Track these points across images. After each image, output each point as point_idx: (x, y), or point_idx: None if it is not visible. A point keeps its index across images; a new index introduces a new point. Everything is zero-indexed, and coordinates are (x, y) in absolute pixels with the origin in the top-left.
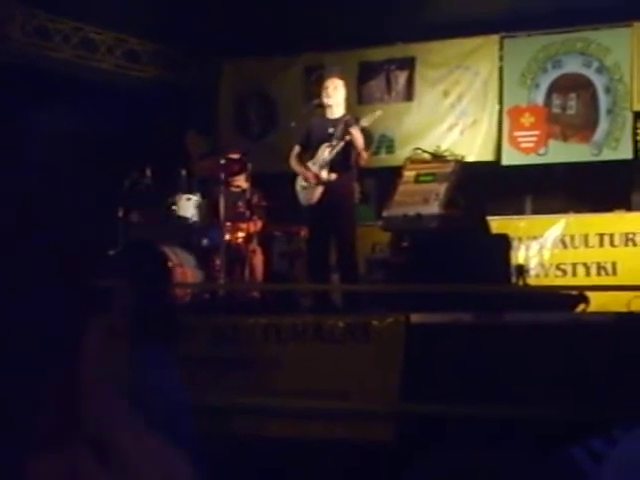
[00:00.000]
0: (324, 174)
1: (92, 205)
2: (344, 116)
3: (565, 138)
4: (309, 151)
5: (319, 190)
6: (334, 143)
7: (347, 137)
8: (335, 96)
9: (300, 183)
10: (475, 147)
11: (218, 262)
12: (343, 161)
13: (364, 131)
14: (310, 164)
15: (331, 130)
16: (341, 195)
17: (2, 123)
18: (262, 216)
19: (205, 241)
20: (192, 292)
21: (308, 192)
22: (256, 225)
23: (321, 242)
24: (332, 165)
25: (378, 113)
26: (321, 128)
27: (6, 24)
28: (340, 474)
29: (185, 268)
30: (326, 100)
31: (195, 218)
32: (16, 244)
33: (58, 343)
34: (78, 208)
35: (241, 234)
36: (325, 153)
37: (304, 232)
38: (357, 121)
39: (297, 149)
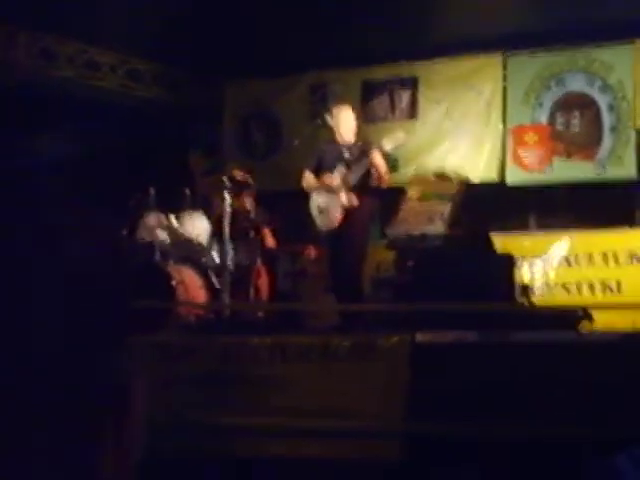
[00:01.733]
0: (344, 199)
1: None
2: (357, 141)
3: (569, 156)
4: (321, 176)
5: (338, 214)
6: (353, 168)
7: (367, 161)
8: (346, 122)
9: (317, 206)
10: (479, 166)
11: (223, 281)
12: (362, 185)
13: (385, 153)
14: (329, 179)
15: (347, 155)
16: (360, 218)
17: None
18: (266, 235)
19: (209, 260)
20: (197, 312)
21: (326, 217)
22: (261, 244)
23: (340, 263)
24: (352, 189)
25: (401, 137)
26: (334, 153)
27: (10, 47)
28: None
29: (188, 286)
30: (337, 127)
31: (200, 238)
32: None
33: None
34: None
35: (246, 253)
36: (342, 177)
37: (309, 251)
38: (375, 144)
39: (309, 174)
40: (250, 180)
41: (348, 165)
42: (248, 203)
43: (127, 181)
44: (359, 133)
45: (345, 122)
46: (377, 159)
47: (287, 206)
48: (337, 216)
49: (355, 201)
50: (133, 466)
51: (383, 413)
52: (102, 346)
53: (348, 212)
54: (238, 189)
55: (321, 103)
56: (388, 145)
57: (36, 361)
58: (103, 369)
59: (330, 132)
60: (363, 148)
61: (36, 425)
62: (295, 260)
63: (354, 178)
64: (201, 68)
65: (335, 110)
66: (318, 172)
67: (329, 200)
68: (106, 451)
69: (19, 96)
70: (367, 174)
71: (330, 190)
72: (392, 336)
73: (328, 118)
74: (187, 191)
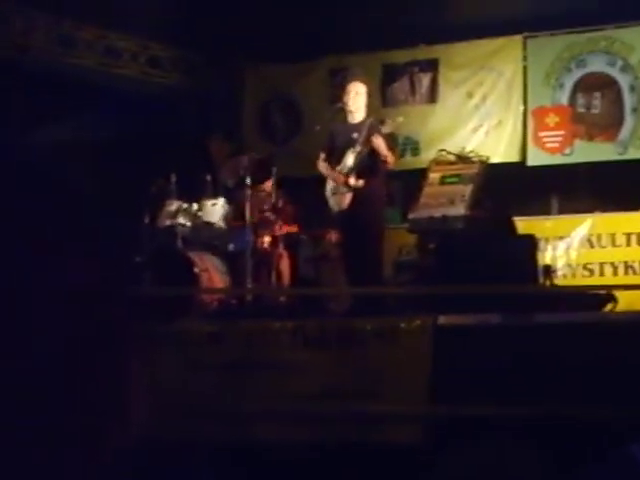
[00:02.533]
0: (352, 180)
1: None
2: (366, 120)
3: (590, 137)
4: (334, 156)
5: (349, 196)
6: (358, 149)
7: (369, 144)
8: (357, 101)
9: (330, 188)
10: (500, 148)
11: (245, 267)
12: (370, 166)
13: (388, 135)
14: (338, 169)
15: (355, 135)
16: (370, 200)
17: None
18: (288, 220)
19: (231, 246)
20: (219, 297)
21: (338, 198)
22: (282, 229)
23: (353, 246)
24: (358, 171)
25: (399, 119)
26: (345, 133)
27: (29, 33)
28: (368, 477)
29: (212, 273)
30: (348, 105)
31: (221, 223)
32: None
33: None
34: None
35: (267, 238)
36: (350, 159)
37: (330, 236)
38: (382, 123)
39: (322, 156)
40: (270, 164)
41: (356, 146)
42: (269, 187)
43: (148, 168)
44: (374, 110)
45: (357, 100)
46: (376, 143)
47: (308, 191)
48: (347, 197)
49: (360, 183)
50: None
51: (405, 396)
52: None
53: (357, 194)
54: (259, 173)
55: (341, 87)
56: (387, 128)
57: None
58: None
59: (343, 113)
60: (371, 128)
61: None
62: (317, 244)
63: (355, 160)
64: (220, 53)
65: (349, 87)
66: (331, 153)
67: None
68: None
69: (39, 82)
70: (374, 156)
71: (337, 177)
72: (414, 319)
73: (345, 98)
74: (208, 177)
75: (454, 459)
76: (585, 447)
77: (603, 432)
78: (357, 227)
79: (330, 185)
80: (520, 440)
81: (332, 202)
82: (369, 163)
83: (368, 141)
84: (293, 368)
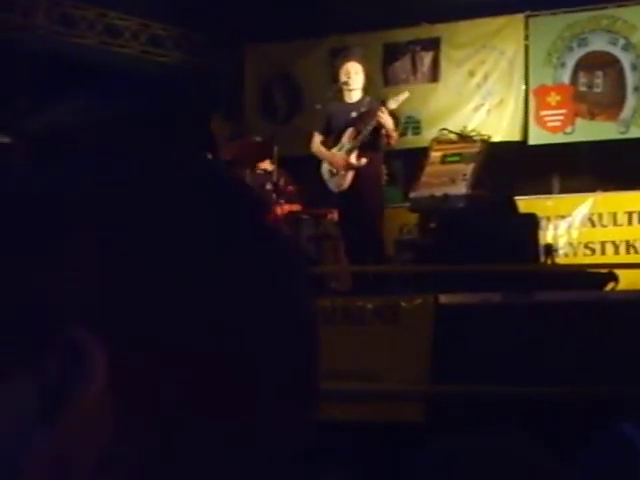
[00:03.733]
0: (353, 159)
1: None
2: (364, 99)
3: (592, 116)
4: (331, 137)
5: (349, 176)
6: (360, 127)
7: (375, 120)
8: (356, 80)
9: (327, 169)
10: (502, 127)
11: None
12: (372, 144)
13: (392, 112)
14: (335, 150)
15: (354, 114)
16: (371, 178)
17: (29, 112)
18: (289, 199)
19: None
20: None
21: (338, 178)
22: (283, 208)
23: (354, 225)
24: (361, 149)
25: (405, 95)
26: (342, 113)
27: (30, 13)
28: (370, 456)
29: None
30: (347, 84)
31: None
32: None
33: None
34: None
35: (268, 217)
36: (352, 137)
37: (332, 215)
38: (383, 103)
39: (318, 137)
40: (271, 145)
41: (356, 125)
42: (270, 166)
43: (149, 147)
44: (375, 90)
45: (356, 79)
46: (384, 119)
47: (309, 170)
48: (348, 177)
49: (363, 161)
50: None
51: (407, 375)
52: None
53: (358, 172)
54: (259, 155)
55: (339, 66)
56: (393, 104)
57: None
58: None
59: (340, 93)
60: (370, 107)
61: None
62: (318, 224)
63: (360, 137)
64: (221, 32)
65: (347, 66)
66: (328, 134)
67: None
68: None
69: (40, 62)
70: (376, 133)
71: (336, 160)
72: (415, 298)
73: (343, 77)
74: (209, 156)
75: (454, 439)
76: (581, 427)
77: (603, 411)
78: (358, 206)
79: (327, 166)
80: (520, 419)
81: (332, 183)
82: (371, 141)
83: (372, 118)
84: None
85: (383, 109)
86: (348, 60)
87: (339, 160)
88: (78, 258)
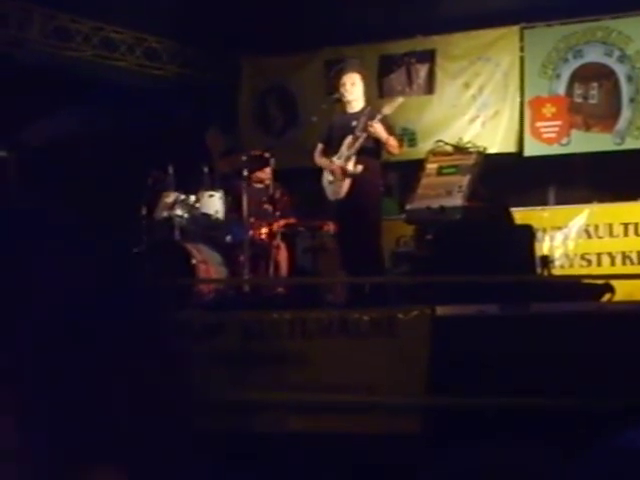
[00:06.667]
0: (350, 166)
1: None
2: (365, 108)
3: (587, 128)
4: (332, 147)
5: (346, 184)
6: (357, 135)
7: (368, 129)
8: (354, 91)
9: (327, 178)
10: (497, 138)
11: (242, 258)
12: (370, 152)
13: (386, 119)
14: (335, 159)
15: (354, 123)
16: (368, 186)
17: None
18: (285, 211)
19: (229, 238)
20: (217, 289)
21: (335, 186)
22: (279, 221)
23: (351, 235)
24: (358, 157)
25: (399, 100)
26: (343, 123)
27: (25, 26)
28: (366, 468)
29: (209, 265)
30: (345, 96)
31: (218, 215)
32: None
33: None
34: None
35: (265, 230)
36: (349, 145)
37: (328, 227)
38: (379, 111)
39: (320, 147)
40: (267, 155)
41: (354, 134)
42: (266, 179)
43: (145, 160)
44: (371, 102)
45: (353, 90)
46: (376, 130)
47: (305, 182)
48: (344, 185)
49: (359, 168)
50: None
51: (403, 387)
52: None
53: (355, 180)
54: (256, 165)
55: (337, 78)
56: (387, 110)
57: None
58: None
59: (341, 104)
60: (369, 115)
61: None
62: (314, 236)
63: (356, 145)
64: (217, 45)
65: (344, 78)
66: (329, 144)
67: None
68: None
69: (35, 76)
70: (375, 142)
71: (335, 168)
72: (412, 310)
73: (341, 90)
74: (205, 169)
75: (453, 451)
76: (581, 437)
77: (602, 422)
78: (354, 216)
79: (327, 175)
80: (516, 430)
81: (329, 191)
82: (368, 150)
83: (366, 128)
84: (290, 359)
85: (371, 123)
86: (344, 73)
87: (336, 168)
88: None
